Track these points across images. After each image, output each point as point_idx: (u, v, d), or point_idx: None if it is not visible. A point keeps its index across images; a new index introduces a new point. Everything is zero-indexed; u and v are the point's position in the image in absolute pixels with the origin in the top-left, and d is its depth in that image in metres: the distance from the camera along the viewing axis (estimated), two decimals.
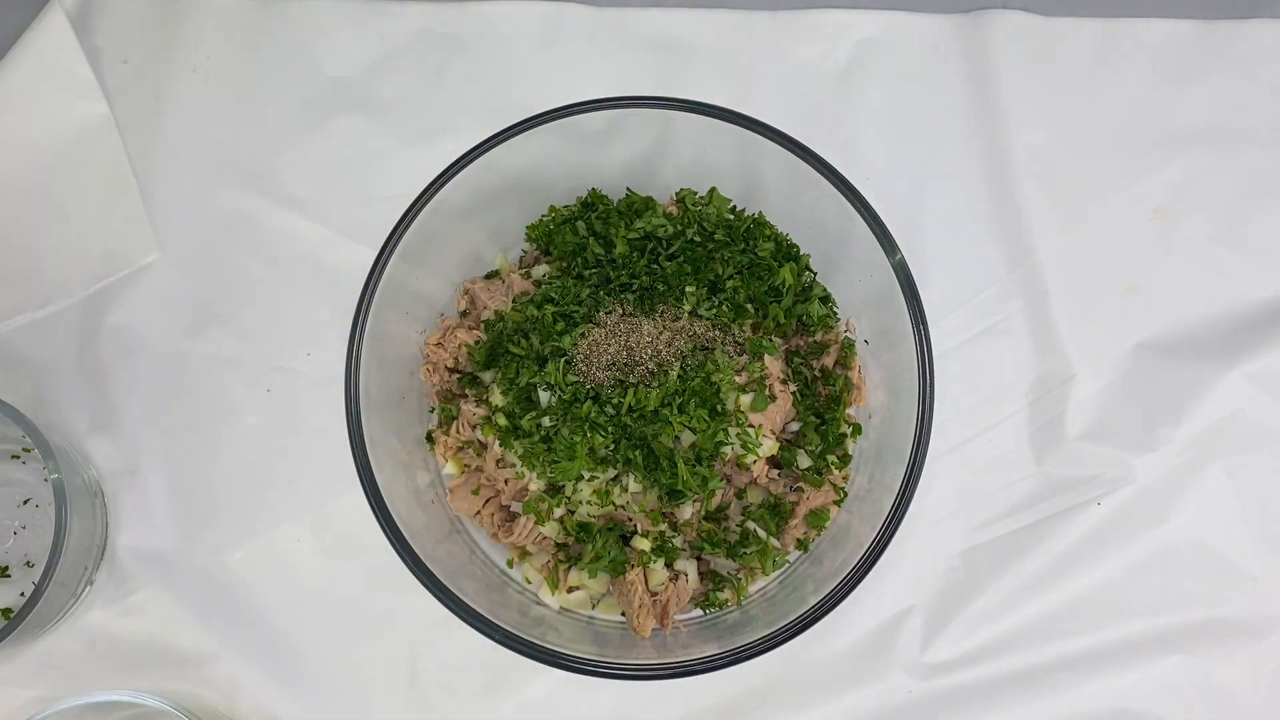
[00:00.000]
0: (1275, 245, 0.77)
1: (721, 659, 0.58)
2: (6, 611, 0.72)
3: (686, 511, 0.64)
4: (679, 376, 0.62)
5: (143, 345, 0.75)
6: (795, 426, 0.67)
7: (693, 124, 0.64)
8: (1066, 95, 0.79)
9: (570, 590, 0.67)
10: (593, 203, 0.69)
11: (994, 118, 0.78)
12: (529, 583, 0.68)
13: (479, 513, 0.68)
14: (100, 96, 0.77)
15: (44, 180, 0.76)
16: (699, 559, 0.67)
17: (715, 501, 0.65)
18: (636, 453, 0.61)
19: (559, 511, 0.64)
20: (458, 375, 0.70)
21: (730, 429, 0.62)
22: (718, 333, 0.65)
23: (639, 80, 0.79)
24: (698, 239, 0.66)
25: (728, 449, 0.62)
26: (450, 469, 0.69)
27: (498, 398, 0.65)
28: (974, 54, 0.79)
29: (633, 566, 0.64)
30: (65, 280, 0.76)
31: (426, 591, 0.58)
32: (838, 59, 0.80)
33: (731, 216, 0.69)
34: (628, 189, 0.70)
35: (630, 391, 0.61)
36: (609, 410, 0.61)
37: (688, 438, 0.62)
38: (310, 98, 0.79)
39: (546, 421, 0.62)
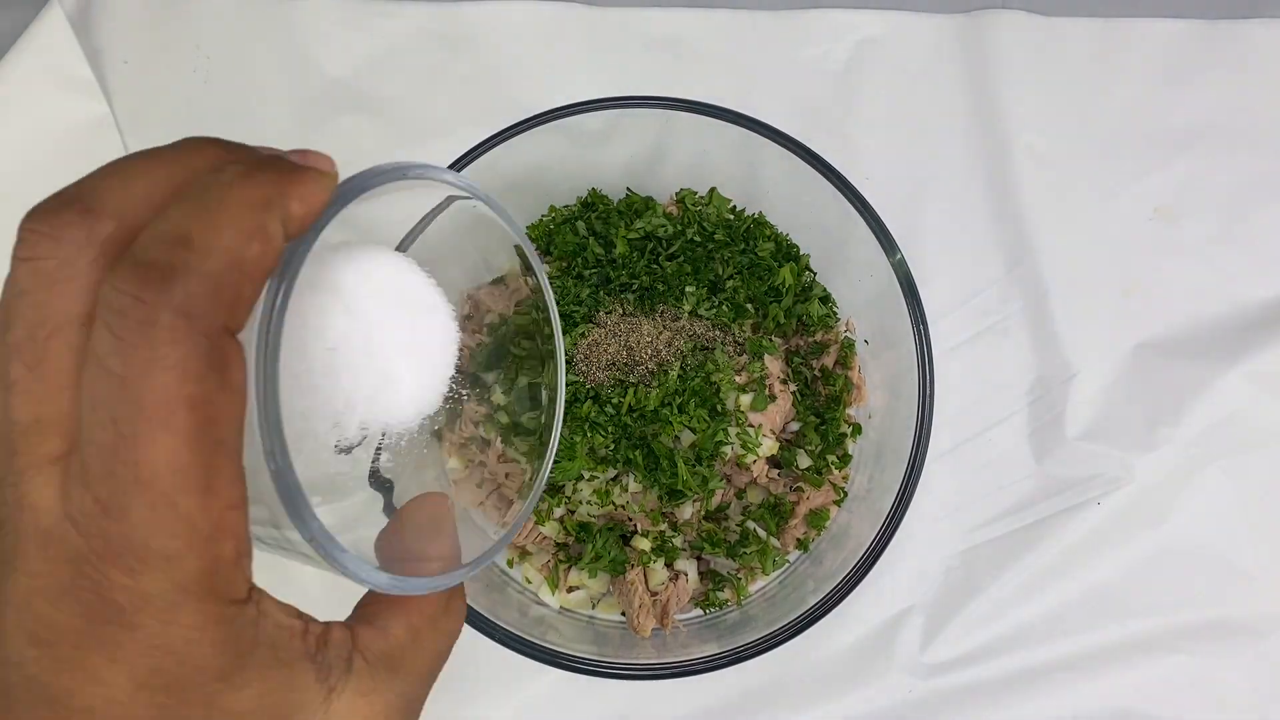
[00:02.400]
0: (1275, 245, 0.77)
1: (722, 659, 0.58)
2: None
3: (686, 511, 0.64)
4: (679, 376, 0.62)
5: None
6: (795, 426, 0.67)
7: (693, 124, 0.64)
8: (1067, 95, 0.79)
9: (570, 590, 0.67)
10: (593, 203, 0.69)
11: (994, 117, 0.78)
12: (529, 582, 0.69)
13: (483, 504, 0.68)
14: (100, 96, 0.77)
15: (44, 180, 0.76)
16: (699, 559, 0.67)
17: (715, 501, 0.65)
18: (636, 452, 0.61)
19: (559, 511, 0.64)
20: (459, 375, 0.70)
21: (730, 429, 0.62)
22: (718, 333, 0.65)
23: (639, 80, 0.79)
24: (698, 239, 0.66)
25: (728, 449, 0.62)
26: (454, 464, 0.69)
27: (499, 396, 0.65)
28: (975, 54, 0.79)
29: (633, 566, 0.64)
30: None
31: None
32: (838, 59, 0.80)
33: (731, 216, 0.69)
34: (628, 189, 0.70)
35: (630, 391, 0.61)
36: (609, 410, 0.61)
37: (687, 437, 0.62)
38: (310, 98, 0.79)
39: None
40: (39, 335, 0.24)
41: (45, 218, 0.24)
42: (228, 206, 0.24)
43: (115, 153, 0.77)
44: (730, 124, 0.63)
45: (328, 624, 0.29)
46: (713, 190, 0.69)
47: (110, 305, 0.22)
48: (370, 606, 0.31)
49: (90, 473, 0.23)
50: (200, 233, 0.23)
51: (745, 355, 0.65)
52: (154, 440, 0.22)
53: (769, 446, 0.64)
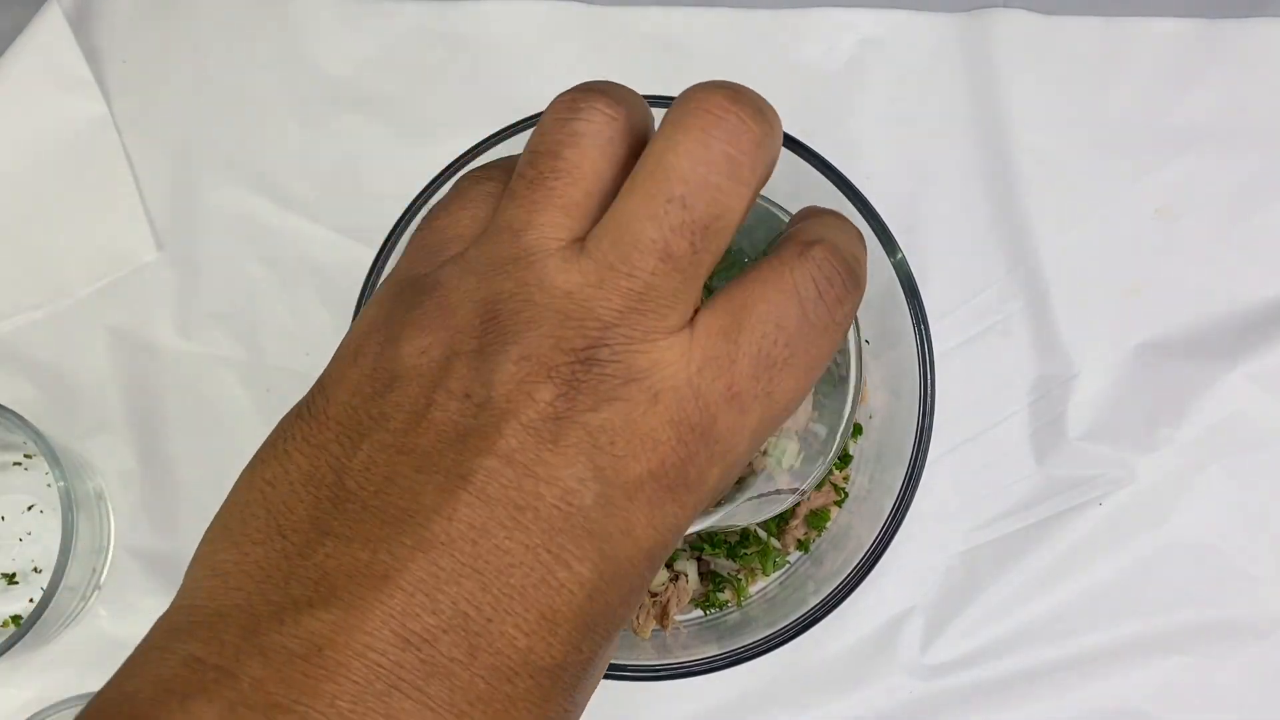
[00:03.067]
0: (1277, 245, 0.77)
1: (722, 660, 0.58)
2: (16, 619, 0.72)
3: None
4: None
5: (142, 345, 0.75)
6: None
7: None
8: (1068, 94, 0.79)
9: None
10: None
11: (995, 117, 0.78)
12: None
13: None
14: (99, 96, 0.77)
15: (42, 180, 0.76)
16: (699, 559, 0.67)
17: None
18: None
19: None
20: None
21: None
22: None
23: (639, 79, 0.78)
24: None
25: None
26: None
27: None
28: (976, 53, 0.79)
29: None
30: (63, 280, 0.76)
31: None
32: (839, 58, 0.79)
33: None
34: None
35: None
36: None
37: None
38: (309, 97, 0.79)
39: None
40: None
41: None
42: (863, 261, 0.31)
43: (114, 153, 0.77)
44: None
45: None
46: None
47: (823, 270, 0.28)
48: None
49: (737, 367, 0.26)
50: (861, 267, 0.31)
51: None
52: (795, 378, 0.27)
53: (793, 452, 0.63)
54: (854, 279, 0.29)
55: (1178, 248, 0.77)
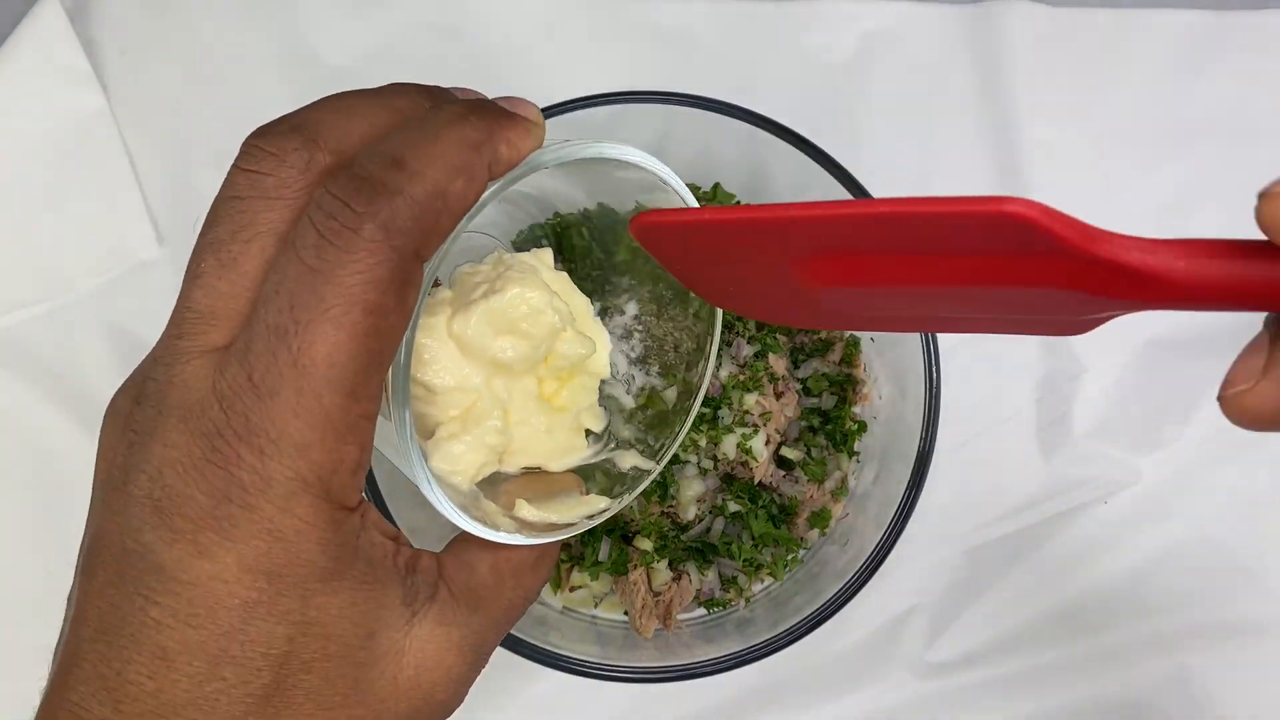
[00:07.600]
0: None
1: (725, 661, 0.58)
2: None
3: (689, 512, 0.63)
4: (682, 379, 0.61)
5: (142, 342, 0.75)
6: (799, 425, 0.67)
7: (696, 118, 0.63)
8: (1077, 87, 0.78)
9: (573, 589, 0.67)
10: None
11: (1003, 110, 0.77)
12: None
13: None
14: (97, 88, 0.76)
15: (40, 174, 0.75)
16: (703, 559, 0.66)
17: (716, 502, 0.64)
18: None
19: None
20: None
21: (733, 428, 0.61)
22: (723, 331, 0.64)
23: (641, 72, 0.78)
24: None
25: (730, 449, 0.62)
26: None
27: None
28: (983, 45, 0.78)
29: (635, 566, 0.64)
30: (63, 276, 0.75)
31: None
32: (844, 50, 0.79)
33: None
34: None
35: (644, 393, 0.61)
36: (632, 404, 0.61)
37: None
38: (310, 89, 0.77)
39: None
40: (240, 238, 0.26)
41: (273, 139, 0.28)
42: (443, 141, 0.26)
43: (112, 146, 0.76)
44: (734, 119, 0.62)
45: (418, 551, 0.30)
46: (716, 186, 0.68)
47: (321, 206, 0.25)
48: (461, 542, 0.32)
49: (252, 351, 0.24)
50: (414, 160, 0.25)
51: (749, 353, 0.64)
52: (323, 332, 0.24)
53: (772, 446, 0.63)
54: (369, 192, 0.24)
55: None
